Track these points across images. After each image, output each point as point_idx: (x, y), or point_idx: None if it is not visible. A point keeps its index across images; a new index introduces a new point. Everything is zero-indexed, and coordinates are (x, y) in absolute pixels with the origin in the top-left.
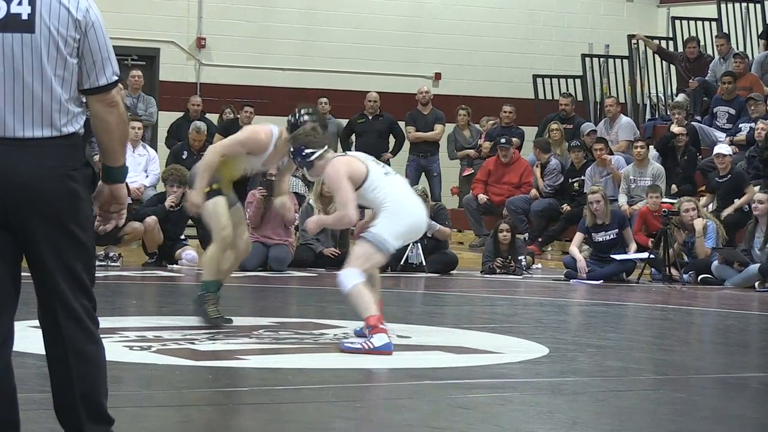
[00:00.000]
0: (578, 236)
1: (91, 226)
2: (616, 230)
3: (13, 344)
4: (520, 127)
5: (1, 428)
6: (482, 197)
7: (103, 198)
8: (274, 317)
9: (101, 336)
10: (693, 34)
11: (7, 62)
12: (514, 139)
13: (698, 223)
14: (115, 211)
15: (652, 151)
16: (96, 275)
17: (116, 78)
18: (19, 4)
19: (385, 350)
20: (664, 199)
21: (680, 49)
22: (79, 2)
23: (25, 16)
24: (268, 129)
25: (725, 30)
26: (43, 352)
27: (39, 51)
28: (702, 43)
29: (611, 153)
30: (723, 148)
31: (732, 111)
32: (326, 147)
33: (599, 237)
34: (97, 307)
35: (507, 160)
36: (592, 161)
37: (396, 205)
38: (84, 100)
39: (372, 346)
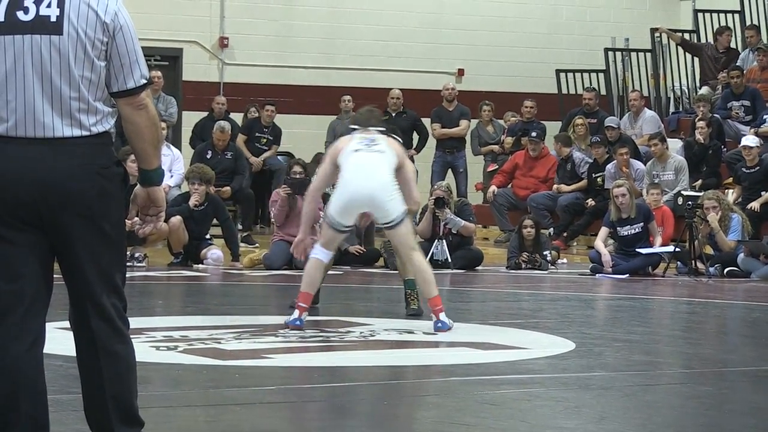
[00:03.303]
0: (603, 230)
1: (123, 225)
2: (641, 224)
3: (44, 344)
4: (542, 122)
5: (30, 427)
6: (493, 189)
7: (141, 201)
8: (304, 314)
9: None
10: (716, 26)
11: (36, 63)
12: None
13: (712, 218)
14: (153, 214)
15: (676, 144)
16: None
17: (145, 81)
18: (48, 6)
19: (290, 325)
20: (689, 192)
21: (704, 41)
22: (108, 5)
23: (53, 18)
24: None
25: (748, 22)
26: (70, 353)
27: (66, 53)
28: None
29: (637, 153)
30: (750, 140)
31: (746, 103)
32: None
33: (624, 231)
34: (127, 308)
35: (536, 154)
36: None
37: (340, 181)
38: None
39: (287, 320)
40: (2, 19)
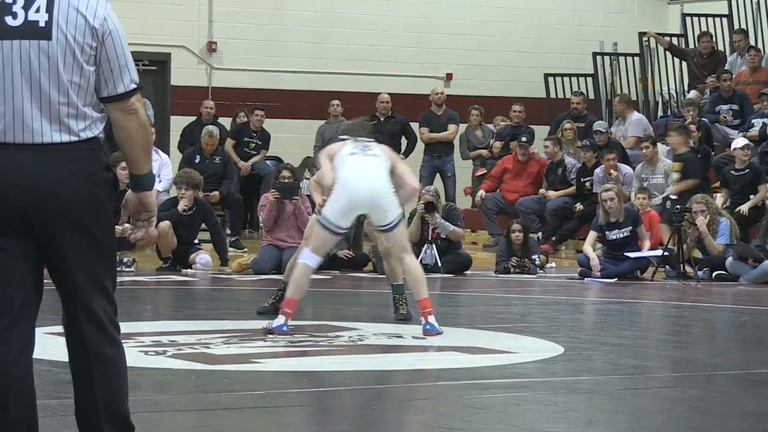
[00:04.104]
0: (592, 235)
1: (113, 230)
2: (630, 228)
3: (34, 349)
4: (530, 126)
5: (20, 430)
6: (481, 194)
7: (132, 207)
8: (289, 320)
9: None
10: (704, 30)
11: (25, 69)
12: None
13: (701, 222)
14: (144, 219)
15: (662, 149)
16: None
17: (134, 86)
18: (37, 11)
19: (276, 331)
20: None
21: (692, 45)
22: (97, 10)
23: (42, 24)
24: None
25: (736, 26)
26: (59, 359)
27: (55, 58)
28: (714, 39)
29: (625, 157)
30: (742, 142)
31: (735, 107)
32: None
33: (612, 235)
34: (117, 312)
35: (525, 159)
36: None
37: (338, 184)
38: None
39: (270, 327)
40: None
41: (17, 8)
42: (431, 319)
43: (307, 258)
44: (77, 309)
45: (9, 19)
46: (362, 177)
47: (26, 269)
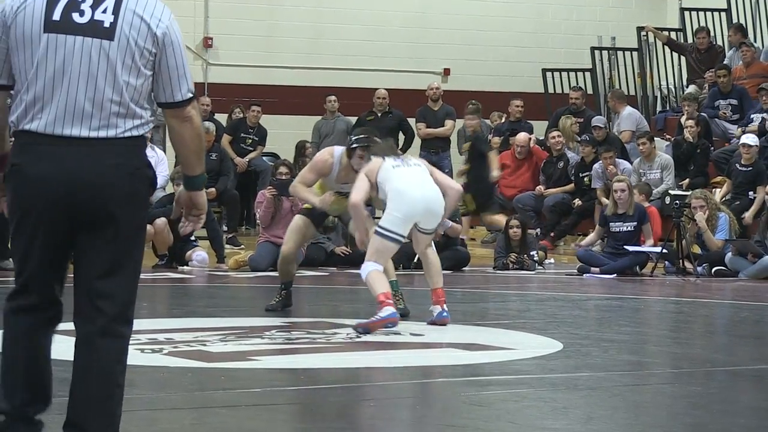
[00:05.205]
0: (598, 229)
1: (145, 224)
2: (635, 223)
3: (57, 326)
4: (529, 121)
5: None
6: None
7: (184, 203)
8: (286, 317)
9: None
10: (703, 24)
11: (84, 65)
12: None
13: (700, 218)
14: (195, 216)
15: (661, 144)
16: None
17: (191, 95)
18: (104, 12)
19: (389, 318)
20: (677, 192)
21: (690, 40)
22: (161, 20)
23: (107, 24)
24: (331, 150)
25: (735, 20)
26: (59, 357)
27: (115, 58)
28: (712, 33)
29: (624, 152)
30: (750, 139)
31: (734, 102)
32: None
33: (616, 227)
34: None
35: (522, 157)
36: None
37: (393, 195)
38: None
39: (379, 318)
40: (57, 19)
41: (85, 6)
42: (446, 306)
43: (372, 266)
44: (94, 301)
45: (76, 16)
46: (417, 186)
47: (58, 262)
